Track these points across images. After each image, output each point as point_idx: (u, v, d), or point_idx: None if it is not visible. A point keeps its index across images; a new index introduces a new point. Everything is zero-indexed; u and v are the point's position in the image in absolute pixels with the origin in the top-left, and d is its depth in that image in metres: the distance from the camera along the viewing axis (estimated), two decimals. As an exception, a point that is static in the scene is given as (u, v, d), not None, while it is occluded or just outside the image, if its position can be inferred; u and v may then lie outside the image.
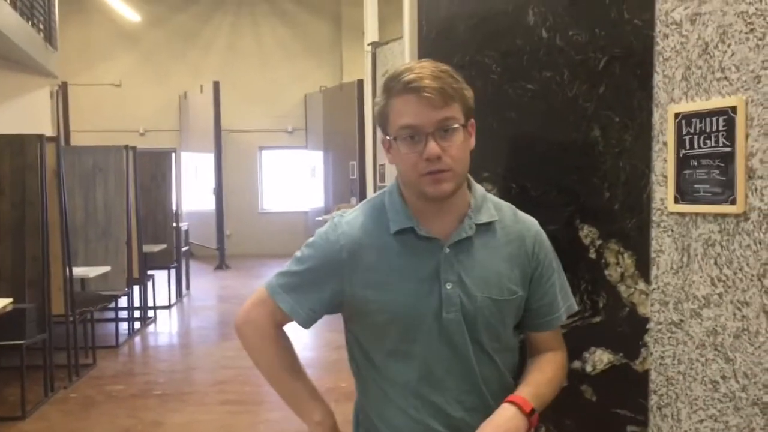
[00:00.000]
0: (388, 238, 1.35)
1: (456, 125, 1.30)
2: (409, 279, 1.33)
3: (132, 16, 11.36)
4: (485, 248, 1.36)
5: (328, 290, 1.37)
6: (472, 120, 1.38)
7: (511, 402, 1.31)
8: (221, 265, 10.76)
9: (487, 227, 1.37)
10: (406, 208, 1.36)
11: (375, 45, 7.92)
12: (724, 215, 1.49)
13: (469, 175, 1.40)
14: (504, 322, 1.38)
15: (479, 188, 1.43)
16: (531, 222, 1.45)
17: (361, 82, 9.32)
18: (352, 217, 1.42)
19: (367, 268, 1.35)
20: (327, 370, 5.22)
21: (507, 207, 1.45)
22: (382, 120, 1.35)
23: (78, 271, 5.22)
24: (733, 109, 1.43)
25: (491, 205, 1.41)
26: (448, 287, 1.32)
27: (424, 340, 1.34)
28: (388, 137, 1.34)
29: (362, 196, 9.15)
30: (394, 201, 1.38)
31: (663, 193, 1.63)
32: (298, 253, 1.45)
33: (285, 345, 1.46)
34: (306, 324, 1.41)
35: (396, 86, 1.29)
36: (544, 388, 1.38)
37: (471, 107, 1.36)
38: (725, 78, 1.47)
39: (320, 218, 9.02)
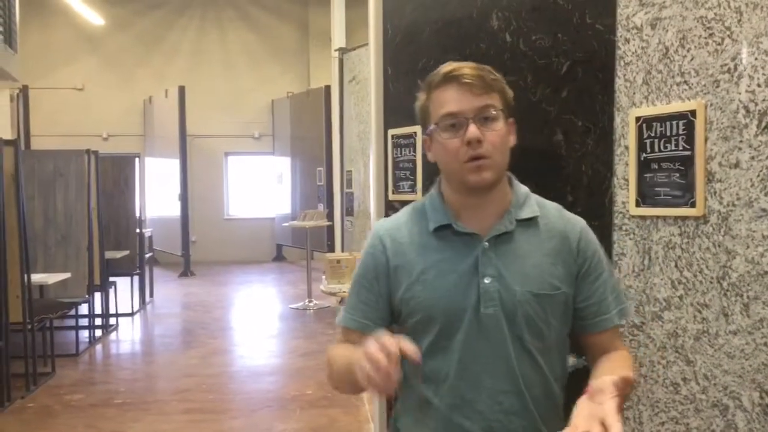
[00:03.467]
0: (428, 236, 1.37)
1: (495, 112, 1.31)
2: (447, 274, 1.33)
3: (95, 19, 11.17)
4: (527, 243, 1.34)
5: (379, 294, 1.40)
6: (512, 119, 1.38)
7: None
8: (186, 272, 10.61)
9: (528, 223, 1.36)
10: (444, 206, 1.38)
11: (342, 51, 7.92)
12: (684, 218, 1.50)
13: (510, 174, 1.41)
14: (547, 321, 1.32)
15: (522, 186, 1.42)
16: (577, 219, 1.42)
17: (328, 88, 9.29)
18: (391, 220, 1.47)
19: (409, 267, 1.36)
20: (292, 377, 5.17)
21: (552, 205, 1.43)
22: (423, 115, 1.38)
23: (36, 277, 5.08)
24: (693, 113, 1.45)
25: (534, 202, 1.39)
26: (486, 281, 1.31)
27: (462, 336, 1.32)
28: (428, 131, 1.36)
29: (329, 202, 9.11)
30: (433, 200, 1.41)
31: (624, 196, 1.64)
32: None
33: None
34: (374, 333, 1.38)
35: (435, 79, 1.33)
36: (624, 369, 1.26)
37: (511, 103, 1.37)
38: (685, 82, 1.48)
39: (287, 224, 8.95)
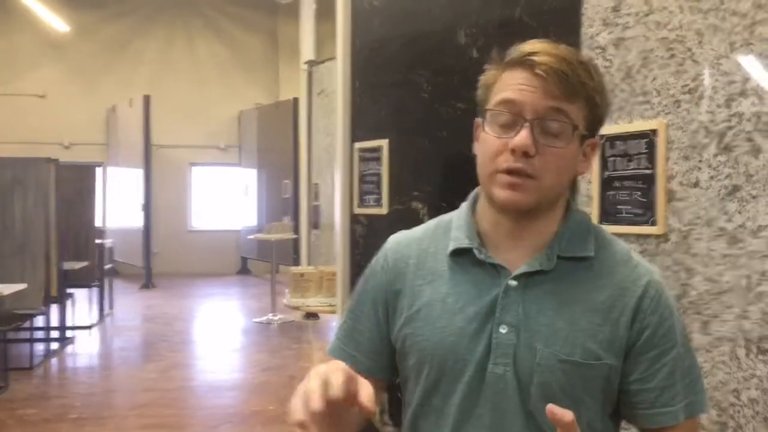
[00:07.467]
0: (444, 260, 1.08)
1: (565, 123, 0.97)
2: (455, 313, 1.03)
3: (59, 26, 11.00)
4: (568, 290, 1.01)
5: (378, 323, 1.12)
6: (595, 139, 1.05)
7: None
8: (147, 283, 10.43)
9: (576, 264, 1.02)
10: (471, 225, 1.07)
11: (311, 63, 7.91)
12: (645, 236, 1.52)
13: (572, 200, 1.10)
14: (575, 396, 0.97)
15: (582, 216, 1.09)
16: (647, 270, 1.04)
17: (296, 101, 9.27)
18: (407, 232, 1.16)
19: (411, 295, 1.08)
20: (254, 392, 5.10)
21: (620, 246, 1.07)
22: (483, 94, 1.04)
23: (-9, 288, 4.96)
24: (655, 132, 1.47)
25: (593, 238, 1.05)
26: (502, 331, 1.00)
27: (459, 396, 1.02)
28: (480, 117, 1.05)
29: (296, 214, 9.06)
30: (462, 214, 1.10)
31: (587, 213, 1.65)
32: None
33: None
34: (369, 372, 1.09)
35: (511, 55, 1.02)
36: None
37: (599, 120, 1.03)
38: (647, 102, 1.50)
39: (252, 237, 8.87)
